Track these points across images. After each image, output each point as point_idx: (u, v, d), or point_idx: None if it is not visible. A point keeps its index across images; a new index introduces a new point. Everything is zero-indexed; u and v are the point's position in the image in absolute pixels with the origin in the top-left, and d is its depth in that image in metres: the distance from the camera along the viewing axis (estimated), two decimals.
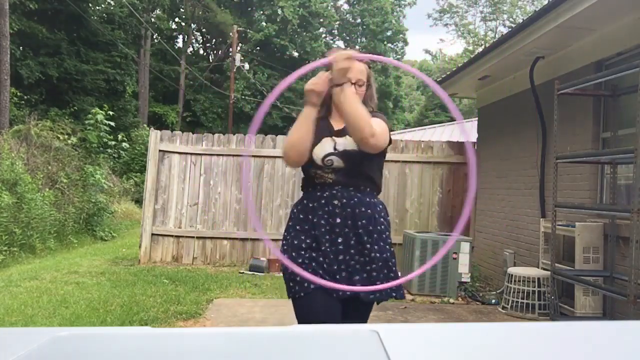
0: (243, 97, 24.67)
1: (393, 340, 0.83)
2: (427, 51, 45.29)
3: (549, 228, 4.83)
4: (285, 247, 2.13)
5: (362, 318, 2.14)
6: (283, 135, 7.82)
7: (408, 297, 5.81)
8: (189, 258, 7.42)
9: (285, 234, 2.16)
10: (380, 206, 2.17)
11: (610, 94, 4.71)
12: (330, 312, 2.00)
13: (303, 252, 2.05)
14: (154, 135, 7.52)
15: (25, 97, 15.86)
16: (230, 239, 7.49)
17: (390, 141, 2.18)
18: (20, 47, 17.04)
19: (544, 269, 5.10)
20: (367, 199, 2.10)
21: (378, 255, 2.07)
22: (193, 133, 7.79)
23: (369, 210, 2.08)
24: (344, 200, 2.07)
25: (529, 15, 6.47)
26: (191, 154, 7.51)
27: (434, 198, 7.59)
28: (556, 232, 4.66)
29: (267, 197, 7.54)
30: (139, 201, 13.65)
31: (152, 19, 25.28)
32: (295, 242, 2.08)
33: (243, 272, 6.82)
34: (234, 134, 7.78)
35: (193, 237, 7.44)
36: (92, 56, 19.06)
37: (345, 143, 2.09)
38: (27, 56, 16.97)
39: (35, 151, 10.37)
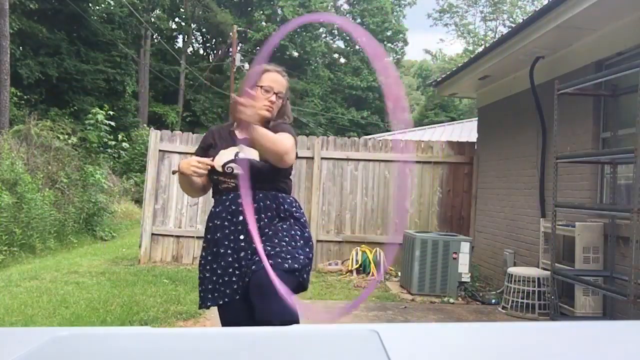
0: None
1: (393, 340, 0.83)
2: (427, 51, 45.18)
3: (549, 228, 4.82)
4: None
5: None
6: None
7: (408, 297, 5.81)
8: (189, 258, 7.41)
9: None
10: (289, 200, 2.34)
11: (610, 94, 4.70)
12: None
13: None
14: (154, 135, 7.51)
15: (25, 97, 15.85)
16: None
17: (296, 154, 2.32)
18: (20, 47, 17.03)
19: (544, 269, 5.10)
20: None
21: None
22: (193, 133, 7.78)
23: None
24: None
25: (529, 15, 6.46)
26: (191, 154, 7.47)
27: (434, 198, 7.59)
28: (556, 232, 4.66)
29: None
30: (139, 201, 13.65)
31: (152, 19, 25.27)
32: None
33: None
34: None
35: (193, 237, 7.43)
36: (92, 56, 19.04)
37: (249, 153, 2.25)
38: (27, 56, 16.96)
39: (35, 151, 10.36)
